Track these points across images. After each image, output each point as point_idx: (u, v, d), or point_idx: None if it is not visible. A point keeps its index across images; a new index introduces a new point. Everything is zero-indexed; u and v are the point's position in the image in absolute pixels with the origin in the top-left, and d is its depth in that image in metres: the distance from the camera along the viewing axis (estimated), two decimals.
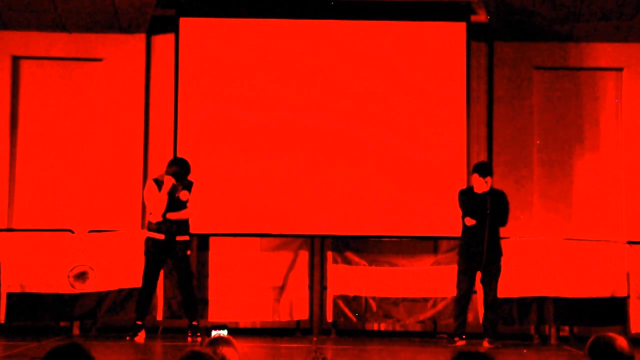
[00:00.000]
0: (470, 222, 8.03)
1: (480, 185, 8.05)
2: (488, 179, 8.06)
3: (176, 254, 8.15)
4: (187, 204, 8.15)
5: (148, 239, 8.15)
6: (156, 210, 8.11)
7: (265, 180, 9.02)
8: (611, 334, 3.43)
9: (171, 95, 9.21)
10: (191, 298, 8.28)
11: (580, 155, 9.71)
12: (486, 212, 7.95)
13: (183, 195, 8.13)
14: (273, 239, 9.08)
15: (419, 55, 9.17)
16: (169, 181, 8.07)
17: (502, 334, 8.44)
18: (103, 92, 9.62)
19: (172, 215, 8.09)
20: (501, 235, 8.20)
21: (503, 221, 8.11)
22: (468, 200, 8.09)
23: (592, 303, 8.73)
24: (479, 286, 8.35)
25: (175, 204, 8.11)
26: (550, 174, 9.67)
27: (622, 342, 3.36)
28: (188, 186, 8.18)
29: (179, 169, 8.09)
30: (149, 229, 8.18)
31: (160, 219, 8.09)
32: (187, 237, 8.20)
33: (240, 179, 9.02)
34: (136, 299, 8.36)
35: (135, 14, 9.35)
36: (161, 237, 8.09)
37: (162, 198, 8.06)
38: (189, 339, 8.10)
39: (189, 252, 8.24)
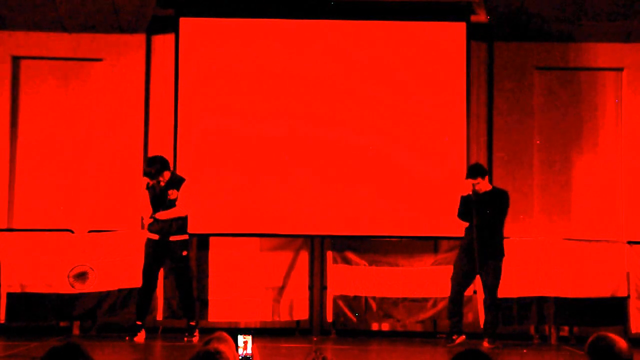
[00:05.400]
0: (464, 224, 8.14)
1: (469, 187, 8.07)
2: (478, 179, 8.07)
3: (173, 254, 8.14)
4: (176, 202, 8.13)
5: (147, 240, 8.17)
6: (142, 213, 8.17)
7: (266, 180, 9.01)
8: (610, 335, 3.45)
9: (171, 95, 9.22)
10: (189, 298, 8.28)
11: (580, 155, 9.71)
12: (475, 214, 7.96)
13: (172, 193, 8.11)
14: (273, 239, 9.09)
15: (418, 56, 9.17)
16: (144, 182, 8.08)
17: (502, 334, 8.45)
18: (103, 92, 9.62)
19: (160, 215, 8.08)
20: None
21: (497, 221, 8.09)
22: (462, 203, 8.13)
23: (592, 303, 8.73)
24: (479, 286, 8.36)
25: (163, 203, 8.09)
26: (550, 174, 9.67)
27: (621, 342, 3.38)
28: (177, 184, 8.14)
29: (148, 167, 8.07)
30: (148, 230, 8.19)
31: (150, 220, 8.10)
32: (184, 237, 8.19)
33: (241, 178, 9.02)
34: (135, 299, 8.37)
35: (135, 14, 9.35)
36: (156, 237, 8.10)
37: (142, 200, 8.08)
38: (186, 339, 8.10)
39: (184, 253, 8.21)
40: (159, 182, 8.04)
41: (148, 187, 8.05)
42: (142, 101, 9.57)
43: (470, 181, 8.09)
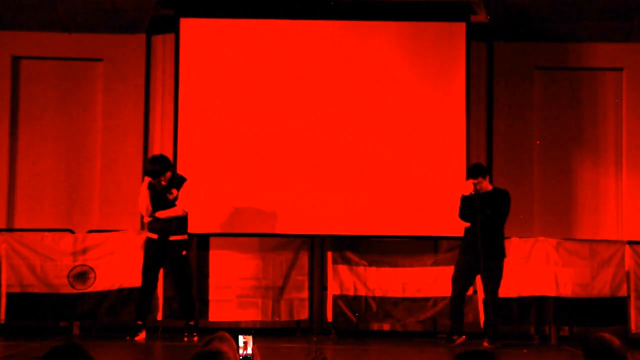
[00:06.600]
0: (465, 224, 8.13)
1: (470, 187, 8.07)
2: (479, 179, 8.08)
3: (173, 254, 8.14)
4: (176, 202, 8.14)
5: (146, 239, 8.19)
6: (141, 210, 8.16)
7: (266, 180, 9.01)
8: (606, 335, 3.47)
9: (171, 95, 9.23)
10: (188, 298, 8.28)
11: (580, 155, 9.71)
12: (477, 213, 7.97)
13: (172, 193, 8.11)
14: (273, 239, 9.09)
15: (418, 56, 9.16)
16: (147, 180, 8.08)
17: (502, 334, 8.42)
18: (103, 92, 9.63)
19: (160, 214, 8.08)
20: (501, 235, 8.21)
21: (499, 221, 8.10)
22: (463, 202, 8.12)
23: (592, 303, 8.73)
24: (479, 286, 8.36)
25: (163, 202, 8.10)
26: (550, 174, 9.67)
27: (615, 341, 3.41)
28: (178, 183, 8.15)
29: (152, 166, 8.07)
30: (148, 229, 8.20)
31: (150, 219, 8.10)
32: (184, 237, 8.19)
33: (241, 178, 9.02)
34: (136, 299, 8.38)
35: (135, 14, 9.36)
36: (155, 236, 8.10)
37: (142, 198, 8.07)
38: (185, 339, 8.11)
39: (184, 252, 8.21)
40: (159, 181, 8.05)
41: (150, 186, 8.06)
42: (142, 101, 9.57)
43: (472, 181, 8.09)
